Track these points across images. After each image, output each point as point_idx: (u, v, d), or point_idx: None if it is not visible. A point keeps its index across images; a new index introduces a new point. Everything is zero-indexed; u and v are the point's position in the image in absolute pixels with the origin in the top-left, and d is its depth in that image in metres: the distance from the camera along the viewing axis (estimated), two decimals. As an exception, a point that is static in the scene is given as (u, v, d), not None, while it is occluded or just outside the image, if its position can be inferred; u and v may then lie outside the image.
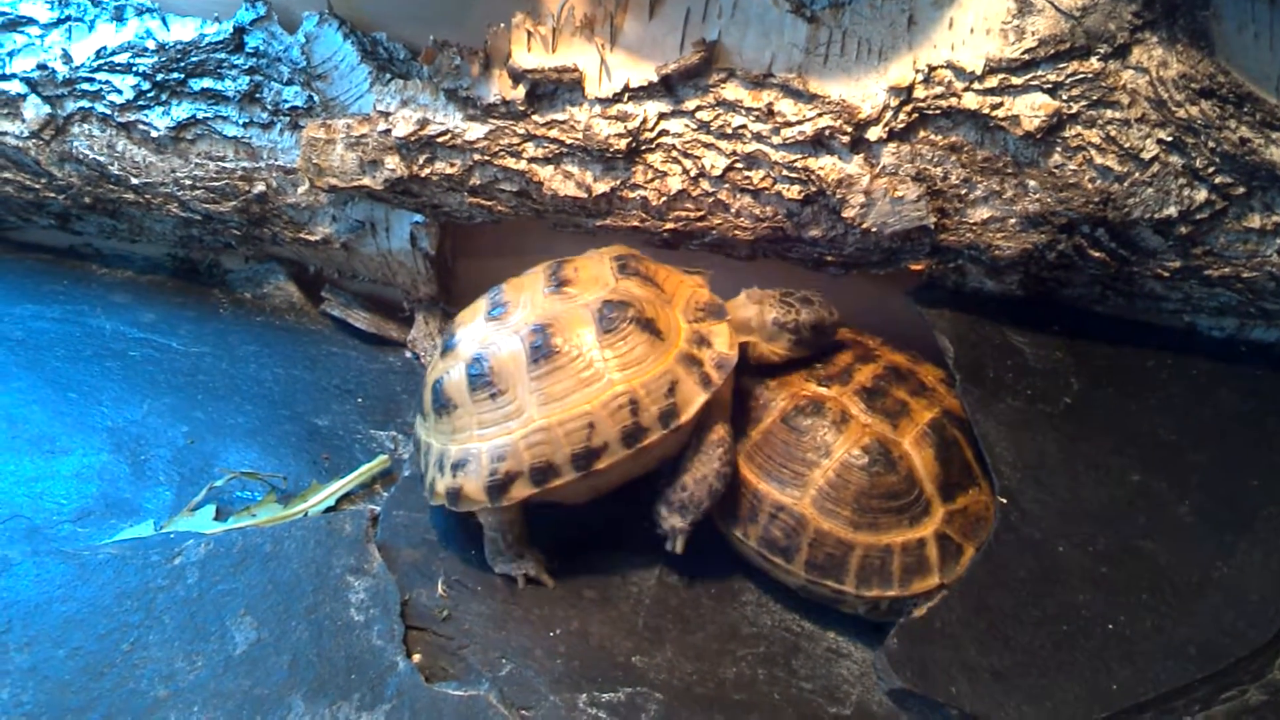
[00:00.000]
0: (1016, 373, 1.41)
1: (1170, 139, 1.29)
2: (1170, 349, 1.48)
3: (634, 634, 1.29)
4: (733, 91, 1.38)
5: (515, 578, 1.33)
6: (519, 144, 1.44)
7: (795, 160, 1.38)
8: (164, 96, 1.58)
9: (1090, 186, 1.32)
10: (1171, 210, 1.32)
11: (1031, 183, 1.34)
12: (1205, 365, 1.47)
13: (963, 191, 1.37)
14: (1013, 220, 1.37)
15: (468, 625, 1.27)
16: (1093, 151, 1.31)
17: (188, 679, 1.15)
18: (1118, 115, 1.29)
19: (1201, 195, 1.31)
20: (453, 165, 1.47)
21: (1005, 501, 1.23)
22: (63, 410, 1.54)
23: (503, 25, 1.41)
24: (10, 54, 1.59)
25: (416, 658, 1.22)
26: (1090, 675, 1.05)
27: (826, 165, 1.38)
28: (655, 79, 1.38)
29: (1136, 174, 1.31)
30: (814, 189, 1.39)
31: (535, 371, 1.26)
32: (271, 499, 1.43)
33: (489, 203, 1.51)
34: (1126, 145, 1.30)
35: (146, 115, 1.59)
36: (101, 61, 1.57)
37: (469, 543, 1.37)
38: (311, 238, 1.65)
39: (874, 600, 1.25)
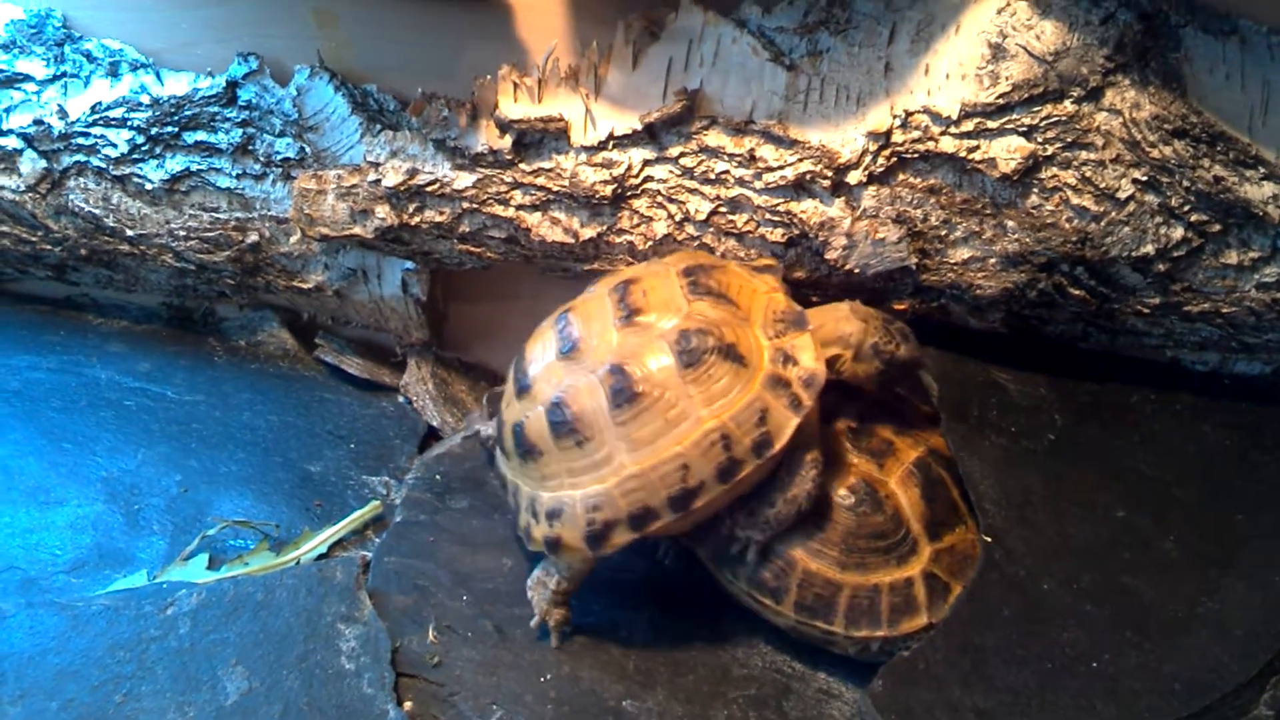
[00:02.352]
0: (1001, 409, 1.42)
1: (1145, 178, 1.31)
2: (1154, 384, 1.50)
3: (625, 678, 1.29)
4: (715, 138, 1.40)
5: (537, 615, 1.31)
6: (506, 192, 1.47)
7: (777, 204, 1.41)
8: (158, 150, 1.61)
9: (1068, 226, 1.34)
10: (1149, 248, 1.34)
11: (1010, 223, 1.36)
12: (1189, 399, 1.48)
13: (943, 233, 1.39)
14: (993, 260, 1.39)
15: (458, 672, 1.27)
16: (1069, 192, 1.33)
17: (179, 730, 1.16)
18: (1093, 156, 1.31)
19: (1178, 233, 1.33)
20: (442, 213, 1.50)
21: (990, 540, 1.24)
22: (58, 461, 1.55)
23: (489, 77, 1.44)
24: (7, 110, 1.62)
25: (408, 705, 1.23)
26: (1074, 714, 1.06)
27: (808, 209, 1.40)
28: (639, 127, 1.41)
29: (1113, 213, 1.33)
30: (796, 232, 1.41)
31: (620, 417, 1.21)
32: (264, 547, 1.44)
33: (478, 249, 1.53)
34: (1102, 185, 1.32)
35: (141, 168, 1.62)
36: (97, 116, 1.59)
37: (459, 588, 1.38)
38: (305, 285, 1.68)
39: (863, 641, 1.26)
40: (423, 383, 1.72)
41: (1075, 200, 1.33)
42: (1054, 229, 1.35)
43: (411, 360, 1.74)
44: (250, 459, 1.58)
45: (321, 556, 1.44)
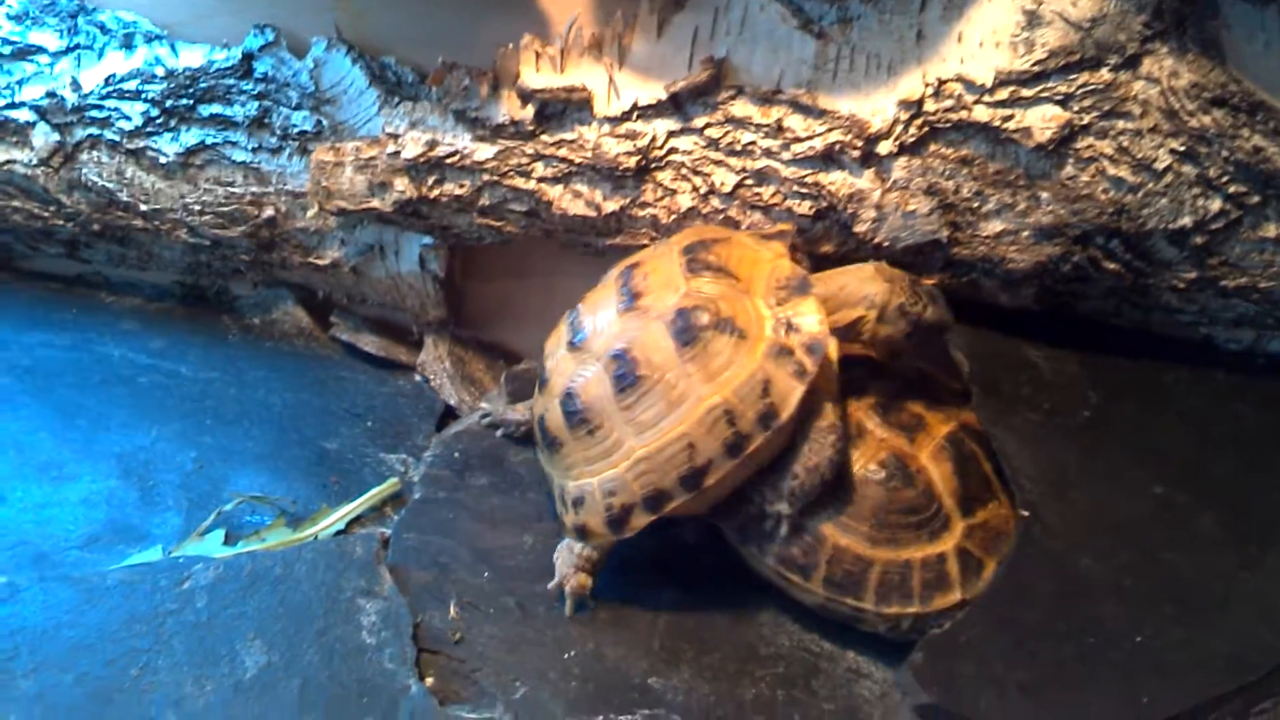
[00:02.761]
0: (1033, 386, 1.39)
1: (1183, 149, 1.28)
2: (1187, 362, 1.46)
3: (649, 655, 1.26)
4: (741, 108, 1.38)
5: (557, 577, 1.30)
6: (528, 164, 1.44)
7: (805, 176, 1.38)
8: (172, 123, 1.58)
9: (1104, 198, 1.31)
10: (1186, 220, 1.31)
11: (1044, 195, 1.33)
12: (1223, 378, 1.45)
13: (975, 205, 1.36)
14: (1026, 233, 1.36)
15: (480, 648, 1.25)
16: (1105, 162, 1.30)
17: (197, 704, 1.13)
18: (1130, 126, 1.28)
19: (1216, 205, 1.30)
20: (462, 186, 1.47)
21: (1027, 515, 1.21)
22: (70, 437, 1.53)
23: (511, 46, 1.41)
24: (20, 82, 1.60)
25: (429, 681, 1.20)
26: (1120, 688, 1.03)
27: (837, 180, 1.37)
28: (664, 97, 1.38)
29: (1150, 184, 1.30)
30: (825, 204, 1.38)
31: (624, 401, 1.22)
32: (281, 523, 1.42)
33: (498, 223, 1.51)
34: (1139, 156, 1.29)
35: (155, 141, 1.60)
36: (110, 89, 1.57)
37: (481, 564, 1.35)
38: (321, 262, 1.65)
39: (894, 618, 1.23)
40: (440, 361, 1.69)
41: (1112, 171, 1.30)
42: (1089, 200, 1.32)
43: (428, 338, 1.72)
44: (266, 436, 1.55)
45: (340, 533, 1.41)
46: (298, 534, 1.40)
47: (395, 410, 1.63)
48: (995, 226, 1.37)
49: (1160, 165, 1.29)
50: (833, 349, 1.25)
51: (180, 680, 1.15)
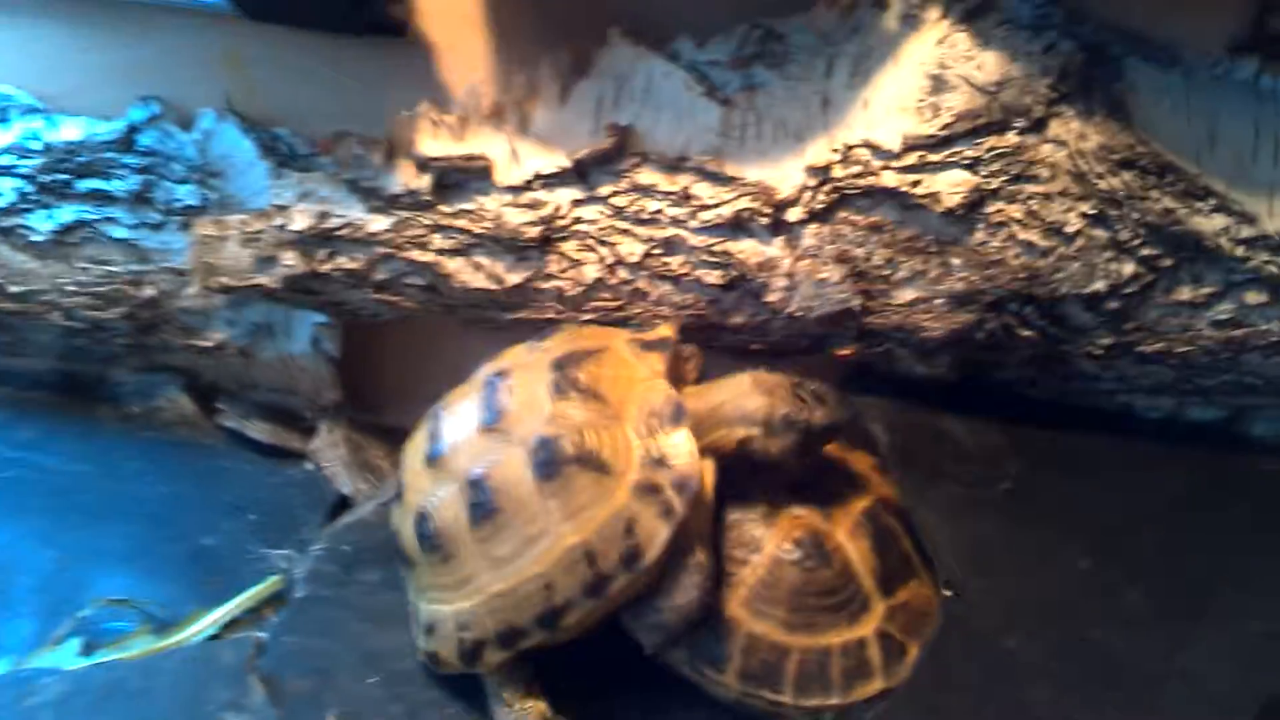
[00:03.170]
0: (954, 458, 1.34)
1: (1094, 212, 1.26)
2: (1109, 430, 1.43)
3: (553, 763, 1.15)
4: (647, 176, 1.33)
5: None
6: (425, 235, 1.37)
7: (714, 244, 1.33)
8: (48, 199, 1.49)
9: (1015, 262, 1.28)
10: (1099, 285, 1.28)
11: (956, 260, 1.30)
12: (1145, 447, 1.42)
13: (887, 272, 1.32)
14: (939, 300, 1.32)
15: (365, 762, 1.13)
16: (1015, 227, 1.27)
17: (27, 836, 0.99)
18: (1039, 189, 1.26)
19: (1129, 269, 1.28)
20: (355, 260, 1.39)
21: (950, 594, 1.13)
22: (-83, 536, 1.39)
23: (406, 114, 1.35)
24: (-117, 156, 1.49)
25: (305, 804, 1.07)
26: (1053, 778, 0.95)
27: (746, 249, 1.33)
28: (568, 165, 1.33)
29: (1062, 248, 1.27)
30: (735, 273, 1.33)
31: (480, 533, 1.14)
32: (147, 630, 1.29)
33: (395, 298, 1.43)
34: (1049, 219, 1.27)
35: (28, 219, 1.50)
36: (-19, 164, 1.48)
37: (367, 669, 1.24)
38: (205, 344, 1.55)
39: (815, 710, 1.13)
40: (334, 447, 1.58)
41: (1022, 235, 1.27)
42: (1001, 266, 1.29)
43: (322, 424, 1.61)
44: (136, 533, 1.42)
45: (212, 638, 1.28)
46: (164, 641, 1.26)
47: (283, 502, 1.52)
48: (908, 294, 1.32)
49: (1071, 229, 1.27)
50: (708, 478, 1.18)
51: (11, 808, 1.01)
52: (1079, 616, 1.11)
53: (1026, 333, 1.33)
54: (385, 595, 1.34)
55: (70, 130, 1.47)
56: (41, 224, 1.49)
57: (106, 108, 1.49)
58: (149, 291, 1.51)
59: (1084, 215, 1.26)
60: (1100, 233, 1.27)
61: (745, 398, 1.21)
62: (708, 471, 1.17)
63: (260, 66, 1.46)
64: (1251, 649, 1.08)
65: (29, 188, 1.48)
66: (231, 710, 1.13)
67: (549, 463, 1.12)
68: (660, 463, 1.14)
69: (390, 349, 1.65)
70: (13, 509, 1.45)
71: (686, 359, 1.34)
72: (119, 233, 1.49)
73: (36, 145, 1.47)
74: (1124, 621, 1.11)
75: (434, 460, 1.20)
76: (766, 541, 1.19)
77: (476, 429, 1.18)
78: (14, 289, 1.53)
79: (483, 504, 1.14)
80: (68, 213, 1.49)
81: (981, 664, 1.05)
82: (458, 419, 1.22)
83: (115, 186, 1.47)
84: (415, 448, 1.25)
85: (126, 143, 1.46)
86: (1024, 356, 1.38)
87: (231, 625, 1.31)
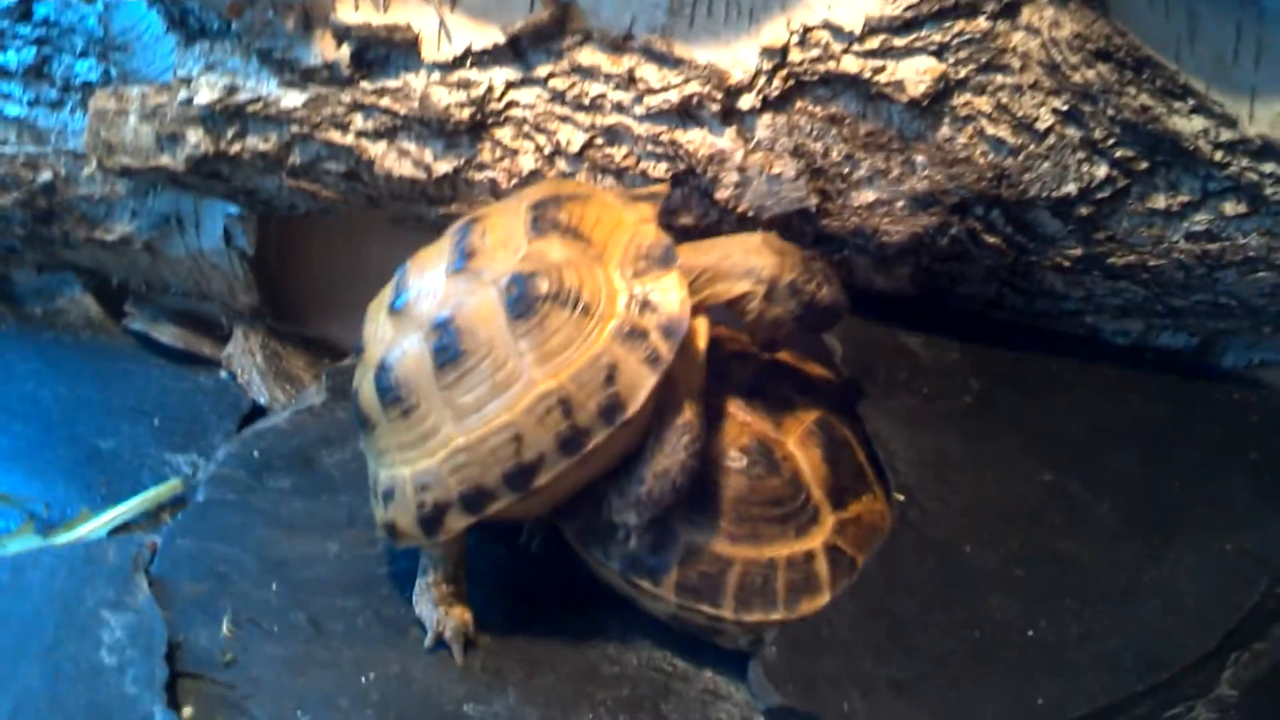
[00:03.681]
0: (911, 372, 1.26)
1: (1066, 108, 1.17)
2: (1075, 355, 1.35)
3: (469, 677, 1.06)
4: (589, 56, 1.23)
5: (430, 629, 1.09)
6: (345, 115, 1.26)
7: (661, 133, 1.23)
8: (-67, 69, 1.36)
9: (983, 161, 1.20)
10: (1070, 188, 1.20)
11: (920, 158, 1.21)
12: (1113, 371, 1.34)
13: (845, 170, 1.23)
14: (900, 203, 1.23)
15: (256, 672, 1.03)
16: (984, 121, 1.18)
17: None
18: (1009, 80, 1.17)
19: (1102, 171, 1.19)
20: (267, 140, 1.28)
21: (903, 498, 1.05)
22: None
23: (325, -24, 1.24)
24: None
25: (186, 711, 0.98)
26: (1012, 687, 0.87)
27: (696, 139, 1.23)
28: (502, 40, 1.23)
29: (1032, 146, 1.19)
30: (683, 166, 1.24)
31: (444, 379, 1.03)
32: (29, 529, 1.18)
33: (312, 186, 1.31)
34: (1019, 114, 1.18)
35: (-89, 91, 1.37)
36: None
37: (269, 576, 1.14)
38: (108, 237, 1.43)
39: (756, 627, 1.05)
40: (249, 354, 1.47)
41: (991, 130, 1.18)
42: (968, 164, 1.20)
43: (238, 330, 1.50)
44: (25, 432, 1.32)
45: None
46: (47, 542, 1.15)
47: (190, 408, 1.41)
48: (868, 196, 1.24)
49: (1042, 125, 1.18)
50: (701, 332, 1.08)
51: None
52: (1042, 528, 1.04)
53: (992, 239, 1.25)
54: (296, 502, 1.24)
55: (-40, -6, 1.35)
56: (-73, 96, 1.37)
57: (2, -27, 1.36)
58: (45, 176, 1.39)
59: (1056, 111, 1.18)
60: (1073, 131, 1.18)
61: (755, 254, 1.13)
62: (700, 324, 1.07)
63: (171, -70, 1.33)
64: (1224, 566, 1.01)
65: (-88, 56, 1.35)
66: (112, 609, 1.03)
67: (522, 299, 1.02)
68: (647, 306, 1.03)
69: (313, 254, 1.54)
70: (-112, 405, 1.33)
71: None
72: (13, 110, 1.38)
73: (-79, 9, 1.34)
74: (1091, 535, 1.03)
75: (398, 310, 1.08)
76: (712, 447, 1.09)
77: (445, 273, 1.07)
78: (-104, 169, 1.41)
79: (448, 347, 1.03)
80: (-44, 85, 1.36)
81: (935, 568, 0.97)
82: (425, 266, 1.10)
83: (9, 60, 1.36)
84: (379, 303, 1.14)
85: (23, 11, 1.35)
86: (988, 269, 1.30)
87: (124, 529, 1.19)
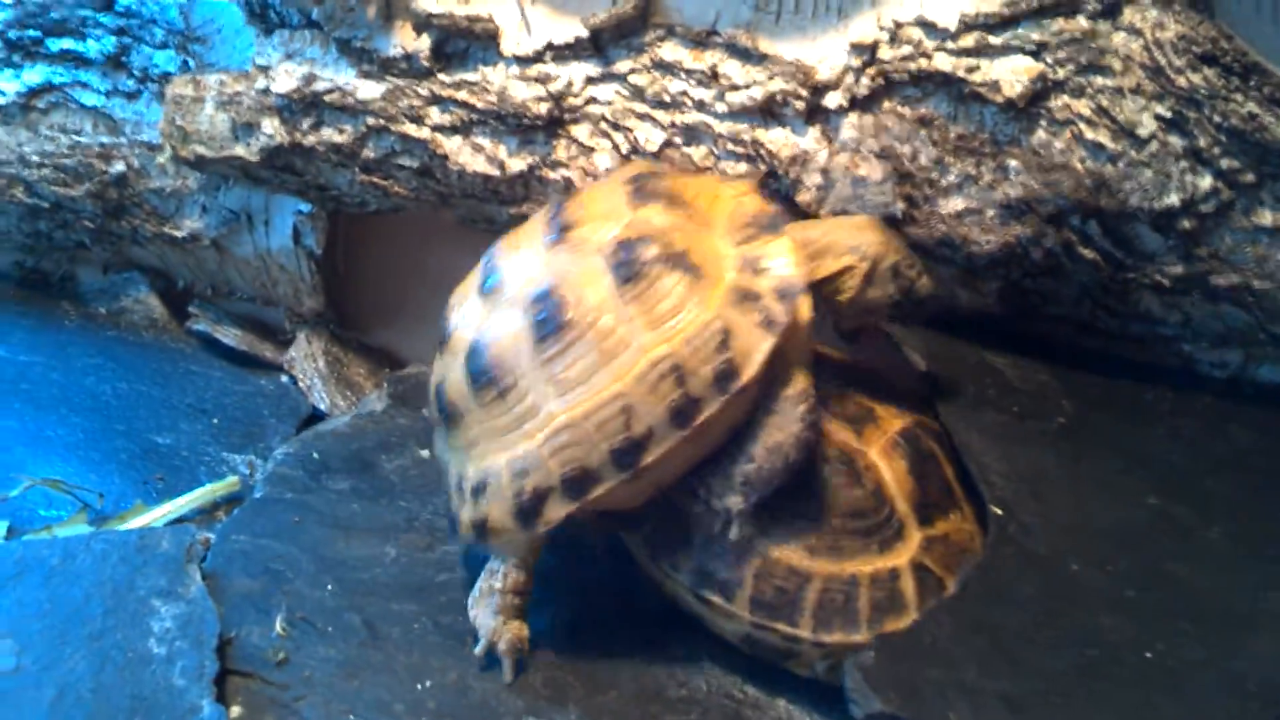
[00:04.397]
0: (999, 390, 1.19)
1: (1170, 114, 1.12)
2: (1170, 385, 1.28)
3: (528, 690, 1.00)
4: (671, 51, 1.20)
5: (484, 637, 1.02)
6: (421, 107, 1.24)
7: (742, 132, 1.19)
8: (15, 58, 1.37)
9: (1081, 168, 1.14)
10: (1173, 199, 1.14)
11: (1013, 164, 1.16)
12: (1210, 401, 1.26)
13: (934, 175, 1.18)
14: (991, 211, 1.18)
15: (309, 672, 0.98)
16: (1082, 125, 1.13)
17: (-100, 715, 0.84)
18: (1110, 83, 1.12)
19: (1206, 182, 1.13)
20: (342, 132, 1.26)
21: (1000, 513, 0.98)
22: None
23: (408, -34, 1.22)
24: None
25: (235, 711, 0.93)
26: (1130, 708, 0.79)
27: (778, 139, 1.19)
28: (584, 34, 1.20)
29: (1133, 153, 1.13)
30: (764, 167, 1.19)
31: (545, 353, 0.96)
32: (81, 519, 1.15)
33: (385, 182, 1.29)
34: (1121, 119, 1.12)
35: (-9, 78, 1.37)
36: (-55, 15, 1.36)
37: (324, 575, 1.10)
38: (178, 232, 1.42)
39: (836, 648, 0.98)
40: (311, 359, 1.44)
41: (1089, 135, 1.13)
42: (1064, 171, 1.14)
43: (301, 334, 1.47)
44: (84, 425, 1.30)
45: (153, 533, 1.14)
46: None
47: (250, 410, 1.38)
48: (957, 203, 1.18)
49: (1144, 131, 1.12)
50: (807, 301, 1.01)
51: (-117, 684, 0.86)
52: (1151, 550, 0.96)
53: (1088, 253, 1.19)
54: (354, 505, 1.20)
55: (45, -15, 1.35)
56: (8, 84, 1.38)
57: (87, -33, 1.37)
58: (119, 167, 1.38)
59: (1159, 117, 1.12)
60: (1176, 139, 1.12)
61: (861, 231, 1.09)
62: (806, 298, 1.01)
63: (256, -74, 1.34)
64: (1353, 597, 0.93)
65: (-5, 45, 1.36)
66: (163, 598, 0.99)
67: (629, 263, 0.96)
68: (758, 269, 0.98)
69: (378, 261, 1.52)
70: (-50, 392, 1.32)
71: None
72: (90, 99, 1.38)
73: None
74: (1203, 559, 0.96)
75: (488, 291, 1.03)
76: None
77: (542, 248, 1.02)
78: (-27, 158, 1.41)
79: (549, 319, 0.96)
80: (37, 74, 1.38)
81: (1040, 585, 0.90)
82: (517, 244, 1.05)
83: (90, 48, 1.36)
84: (466, 287, 1.09)
85: (105, 2, 1.34)
86: (1081, 286, 1.23)
87: (178, 523, 1.16)
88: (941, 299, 1.11)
